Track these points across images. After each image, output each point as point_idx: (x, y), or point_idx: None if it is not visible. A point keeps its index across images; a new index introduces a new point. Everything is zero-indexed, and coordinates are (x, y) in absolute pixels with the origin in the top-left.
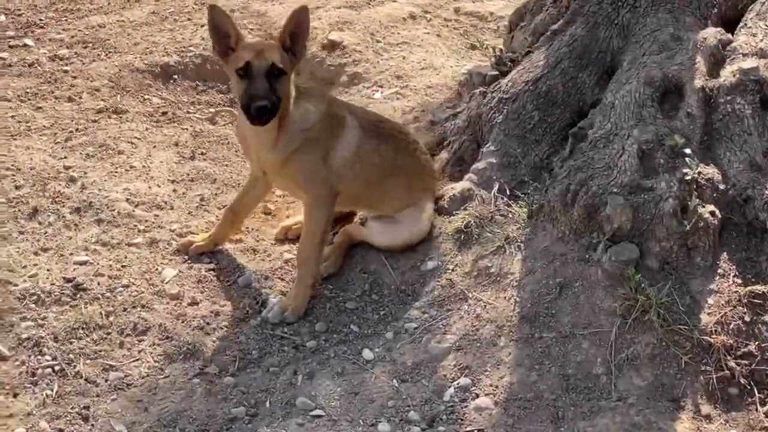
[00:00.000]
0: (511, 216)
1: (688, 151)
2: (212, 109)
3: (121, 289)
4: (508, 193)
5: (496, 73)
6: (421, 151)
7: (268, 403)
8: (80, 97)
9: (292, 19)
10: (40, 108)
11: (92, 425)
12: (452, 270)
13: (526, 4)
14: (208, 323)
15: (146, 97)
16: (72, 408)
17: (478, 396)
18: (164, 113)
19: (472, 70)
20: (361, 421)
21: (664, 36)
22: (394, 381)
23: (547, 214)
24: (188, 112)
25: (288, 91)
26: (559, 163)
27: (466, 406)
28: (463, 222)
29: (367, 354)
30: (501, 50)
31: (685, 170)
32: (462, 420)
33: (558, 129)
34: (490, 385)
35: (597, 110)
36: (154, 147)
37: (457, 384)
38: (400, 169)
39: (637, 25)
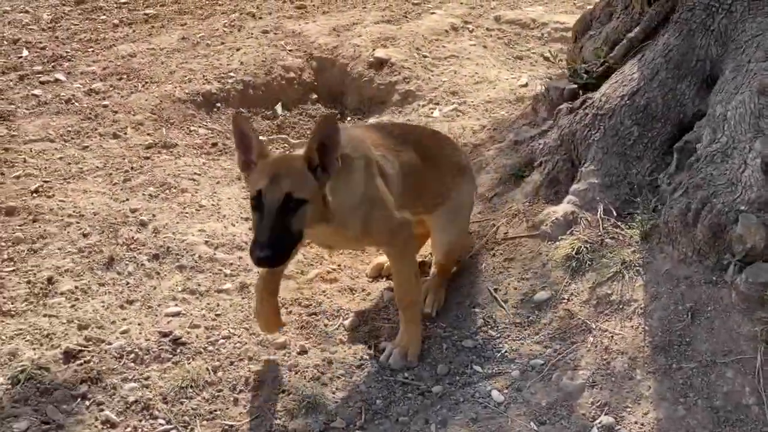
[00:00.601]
0: (622, 239)
1: None
2: (263, 138)
3: (223, 340)
4: (614, 214)
5: (575, 86)
6: (441, 140)
7: None
8: (125, 133)
9: (318, 129)
10: (87, 147)
11: None
12: (568, 299)
13: (591, 12)
14: (322, 373)
15: (192, 128)
16: None
17: None
18: (214, 144)
19: (548, 84)
20: None
21: None
22: (532, 424)
23: (665, 235)
24: None
25: (311, 219)
26: (665, 179)
27: None
28: (572, 248)
29: (496, 396)
30: (573, 61)
31: None
32: None
33: (659, 144)
34: (635, 423)
35: (704, 123)
36: (218, 183)
37: (600, 423)
38: (429, 166)
39: (735, 30)
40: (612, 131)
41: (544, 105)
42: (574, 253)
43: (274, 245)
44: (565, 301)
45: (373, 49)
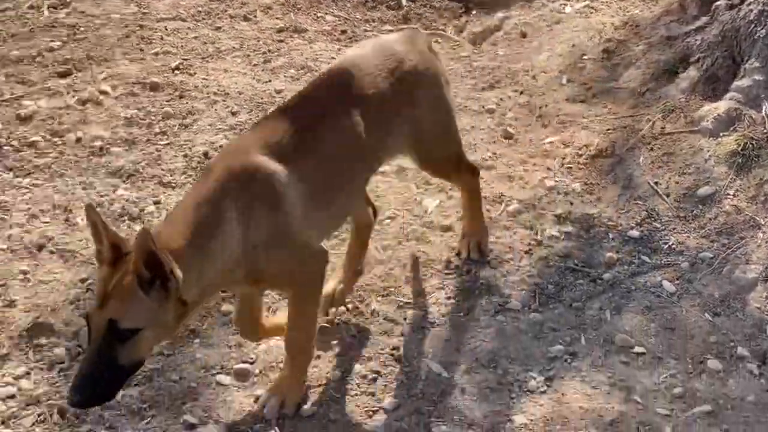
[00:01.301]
0: None
1: None
2: (387, 27)
3: (388, 221)
4: None
5: None
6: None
7: (583, 341)
8: (255, 16)
9: (135, 249)
10: (220, 28)
11: (408, 365)
12: (734, 195)
13: None
14: (494, 256)
15: (319, 14)
16: (381, 349)
17: None
18: (343, 32)
19: None
20: (688, 358)
21: None
22: (707, 315)
23: None
24: (365, 30)
25: (153, 343)
26: None
27: None
28: (738, 144)
29: (668, 286)
30: None
31: None
32: None
33: None
34: None
35: None
36: None
37: None
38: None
39: None
40: None
41: (695, 2)
42: (740, 149)
43: (93, 386)
44: (731, 196)
45: None
